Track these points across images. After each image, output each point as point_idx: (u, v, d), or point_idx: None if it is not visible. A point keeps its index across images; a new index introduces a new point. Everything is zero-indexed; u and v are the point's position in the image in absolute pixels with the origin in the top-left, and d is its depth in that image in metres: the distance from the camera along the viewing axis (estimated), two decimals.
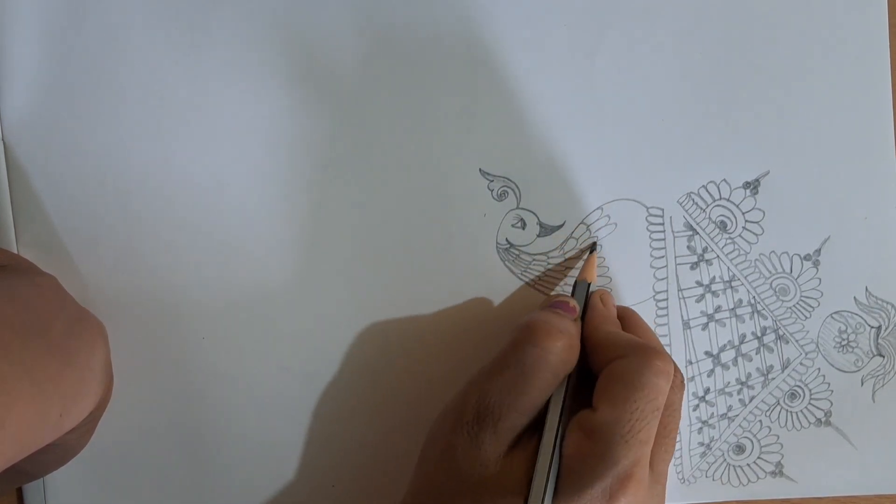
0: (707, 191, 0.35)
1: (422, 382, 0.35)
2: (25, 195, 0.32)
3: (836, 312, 0.36)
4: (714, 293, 0.36)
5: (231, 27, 0.33)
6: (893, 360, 0.36)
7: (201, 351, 0.34)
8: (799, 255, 0.36)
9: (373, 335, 0.34)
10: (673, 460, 0.35)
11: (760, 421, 0.36)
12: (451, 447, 0.28)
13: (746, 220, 0.35)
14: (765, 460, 0.36)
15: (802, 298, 0.36)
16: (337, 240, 0.34)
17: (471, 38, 0.34)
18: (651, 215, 0.35)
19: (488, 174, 0.34)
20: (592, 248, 0.34)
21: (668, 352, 0.35)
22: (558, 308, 0.31)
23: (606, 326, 0.31)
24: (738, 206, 0.35)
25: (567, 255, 0.35)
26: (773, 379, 0.36)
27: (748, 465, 0.36)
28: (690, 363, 0.36)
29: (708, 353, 0.36)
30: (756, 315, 0.36)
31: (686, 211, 0.35)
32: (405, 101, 0.34)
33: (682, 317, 0.35)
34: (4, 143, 0.32)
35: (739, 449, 0.36)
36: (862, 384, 0.36)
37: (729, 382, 0.36)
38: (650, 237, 0.35)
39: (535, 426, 0.29)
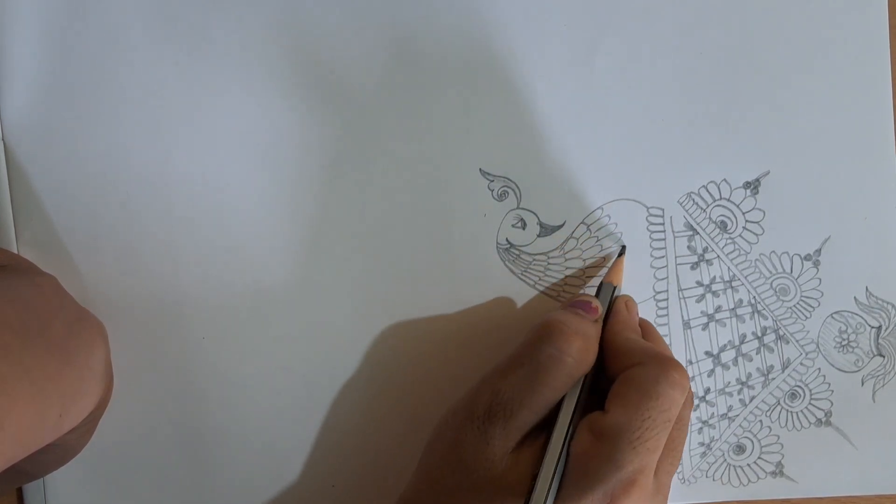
0: (707, 191, 0.35)
1: (422, 382, 0.35)
2: (25, 195, 0.32)
3: (836, 312, 0.36)
4: (714, 293, 0.36)
5: (231, 28, 0.33)
6: (894, 360, 0.36)
7: (201, 351, 0.34)
8: (799, 255, 0.36)
9: (373, 335, 0.34)
10: None
11: (761, 421, 0.36)
12: (459, 442, 0.28)
13: (747, 220, 0.35)
14: (765, 460, 0.36)
15: (803, 298, 0.36)
16: (337, 240, 0.34)
17: (471, 39, 0.34)
18: (651, 215, 0.35)
19: (488, 174, 0.34)
20: (622, 251, 0.34)
21: None
22: (580, 308, 0.31)
23: (627, 332, 0.31)
24: (738, 206, 0.35)
25: (567, 256, 0.35)
26: (774, 379, 0.36)
27: (748, 465, 0.36)
28: (691, 363, 0.36)
29: (708, 353, 0.36)
30: (756, 315, 0.36)
31: (686, 211, 0.35)
32: (405, 102, 0.34)
33: (682, 317, 0.35)
34: (4, 143, 0.32)
35: (740, 449, 0.36)
36: (862, 384, 0.36)
37: (729, 382, 0.36)
38: (650, 237, 0.35)
39: (544, 425, 0.29)
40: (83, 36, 0.32)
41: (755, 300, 0.36)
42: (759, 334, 0.36)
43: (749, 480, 0.36)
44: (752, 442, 0.36)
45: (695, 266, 0.35)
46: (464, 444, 0.28)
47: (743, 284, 0.36)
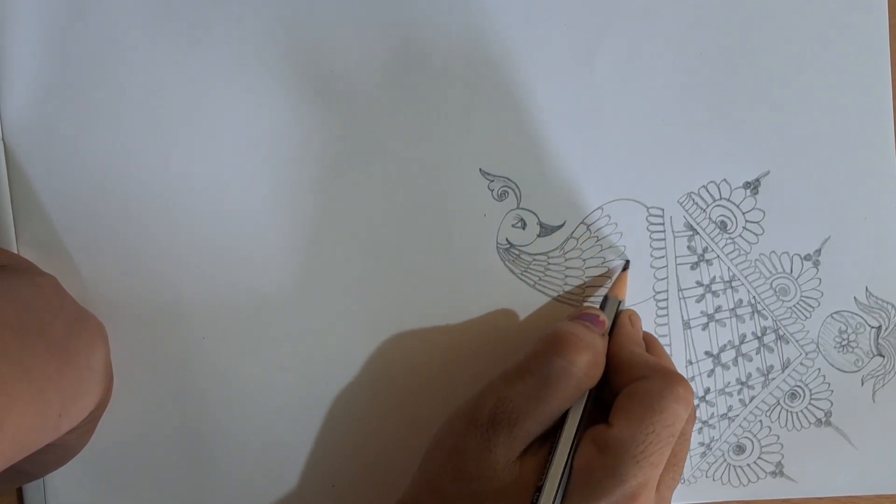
0: (707, 191, 0.35)
1: (422, 382, 0.35)
2: (25, 195, 0.32)
3: (836, 312, 0.36)
4: (714, 293, 0.36)
5: (231, 28, 0.33)
6: (893, 360, 0.36)
7: (201, 351, 0.34)
8: (799, 255, 0.36)
9: (373, 335, 0.34)
10: None
11: (761, 421, 0.36)
12: (461, 448, 0.28)
13: (747, 220, 0.35)
14: (765, 460, 0.36)
15: (802, 298, 0.36)
16: (337, 240, 0.34)
17: (471, 39, 0.34)
18: (651, 215, 0.35)
19: (488, 174, 0.34)
20: (625, 266, 0.34)
21: (669, 352, 0.35)
22: (588, 321, 0.31)
23: (632, 346, 0.31)
24: (738, 206, 0.35)
25: (567, 256, 0.35)
26: (774, 379, 0.36)
27: (748, 465, 0.36)
28: (690, 363, 0.36)
29: (708, 353, 0.36)
30: (756, 315, 0.36)
31: (686, 211, 0.35)
32: (405, 102, 0.34)
33: (682, 317, 0.35)
34: (4, 143, 0.32)
35: (740, 449, 0.36)
36: (862, 384, 0.36)
37: (729, 382, 0.36)
38: (650, 237, 0.35)
39: (547, 436, 0.29)
40: (83, 36, 0.32)
41: (755, 300, 0.36)
42: (759, 334, 0.36)
43: (749, 480, 0.36)
44: (752, 442, 0.36)
45: (695, 266, 0.35)
46: (465, 451, 0.28)
47: (743, 284, 0.36)
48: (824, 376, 0.36)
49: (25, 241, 0.33)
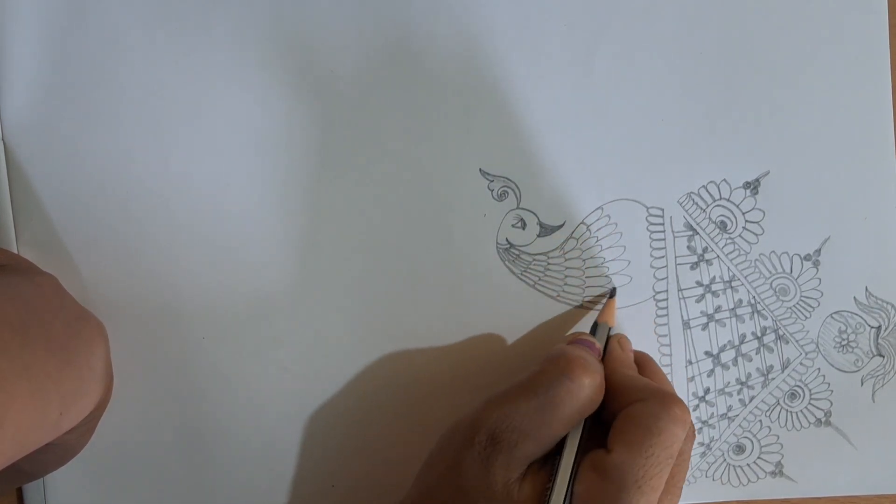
0: (707, 191, 0.35)
1: (422, 383, 0.35)
2: (25, 195, 0.32)
3: (836, 312, 0.36)
4: (714, 293, 0.36)
5: (231, 28, 0.33)
6: (893, 360, 0.36)
7: (201, 351, 0.34)
8: (799, 255, 0.36)
9: (373, 335, 0.34)
10: None
11: (760, 421, 0.36)
12: (459, 464, 0.28)
13: (746, 220, 0.35)
14: (765, 460, 0.36)
15: (802, 298, 0.36)
16: (337, 240, 0.34)
17: (471, 38, 0.34)
18: (651, 215, 0.35)
19: (488, 174, 0.34)
20: (612, 292, 0.34)
21: (669, 352, 0.35)
22: (586, 346, 0.31)
23: (624, 369, 0.31)
24: (738, 206, 0.35)
25: (567, 256, 0.35)
26: (773, 379, 0.36)
27: (748, 465, 0.36)
28: (690, 363, 0.36)
29: (708, 353, 0.36)
30: (756, 315, 0.36)
31: (686, 211, 0.35)
32: (405, 102, 0.34)
33: (682, 317, 0.35)
34: (4, 143, 0.32)
35: (739, 449, 0.36)
36: (862, 384, 0.36)
37: (729, 382, 0.36)
38: (650, 237, 0.35)
39: (545, 459, 0.28)
40: (83, 36, 0.32)
41: (755, 300, 0.36)
42: (759, 334, 0.36)
43: (749, 480, 0.36)
44: (752, 442, 0.36)
45: (695, 266, 0.35)
46: (463, 467, 0.27)
47: (743, 284, 0.36)
48: (824, 376, 0.36)
49: (25, 241, 0.33)
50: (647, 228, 0.35)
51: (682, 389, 0.36)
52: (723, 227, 0.35)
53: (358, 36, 0.33)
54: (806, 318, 0.36)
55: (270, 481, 0.35)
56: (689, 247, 0.35)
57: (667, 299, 0.35)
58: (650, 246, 0.35)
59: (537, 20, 0.34)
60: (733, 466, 0.36)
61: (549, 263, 0.35)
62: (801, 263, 0.36)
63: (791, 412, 0.36)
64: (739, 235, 0.35)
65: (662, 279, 0.35)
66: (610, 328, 0.33)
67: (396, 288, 0.34)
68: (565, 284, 0.35)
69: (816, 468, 0.36)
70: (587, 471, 0.27)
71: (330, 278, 0.34)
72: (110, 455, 0.34)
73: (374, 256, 0.34)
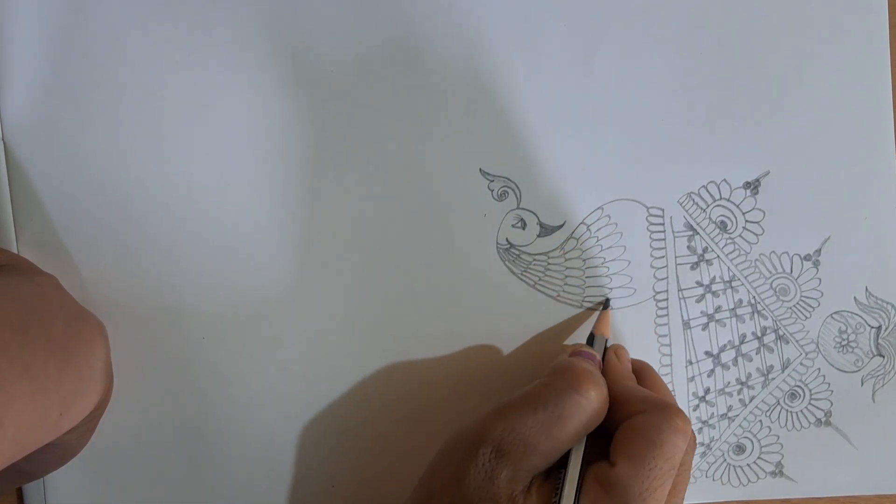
0: (707, 191, 0.35)
1: (421, 383, 0.35)
2: (25, 195, 0.32)
3: (836, 312, 0.36)
4: (714, 293, 0.36)
5: (231, 28, 0.33)
6: (893, 360, 0.36)
7: (201, 351, 0.34)
8: (799, 255, 0.36)
9: (373, 335, 0.34)
10: None
11: (760, 421, 0.36)
12: (463, 475, 0.27)
13: (747, 220, 0.35)
14: (765, 460, 0.36)
15: (802, 298, 0.36)
16: (337, 240, 0.34)
17: (471, 39, 0.34)
18: (651, 215, 0.35)
19: (488, 174, 0.34)
20: (606, 304, 0.34)
21: (669, 352, 0.35)
22: (588, 358, 0.31)
23: (623, 381, 0.31)
24: (738, 206, 0.35)
25: (567, 256, 0.35)
26: (774, 379, 0.36)
27: (748, 465, 0.36)
28: (690, 363, 0.36)
29: (708, 353, 0.36)
30: (756, 315, 0.36)
31: (686, 211, 0.35)
32: (405, 102, 0.34)
33: (682, 317, 0.35)
34: (4, 143, 0.32)
35: (739, 449, 0.36)
36: (862, 384, 0.36)
37: (729, 382, 0.36)
38: (650, 237, 0.35)
39: (548, 471, 0.28)
40: (83, 36, 0.32)
41: (755, 300, 0.36)
42: (759, 334, 0.36)
43: (749, 480, 0.36)
44: (752, 442, 0.36)
45: (695, 266, 0.35)
46: (468, 477, 0.27)
47: (743, 284, 0.36)
48: (824, 376, 0.36)
49: (25, 241, 0.33)
50: (648, 228, 0.35)
51: (682, 389, 0.36)
52: (723, 227, 0.35)
53: (358, 36, 0.33)
54: (806, 318, 0.36)
55: (270, 481, 0.35)
56: (689, 247, 0.35)
57: (667, 299, 0.35)
58: (650, 246, 0.35)
59: (537, 20, 0.34)
60: (733, 466, 0.36)
61: (549, 263, 0.35)
62: (801, 263, 0.36)
63: (791, 412, 0.36)
64: (739, 235, 0.35)
65: (662, 279, 0.35)
66: (607, 340, 0.33)
67: (396, 288, 0.34)
68: (565, 284, 0.35)
69: (816, 468, 0.36)
70: (592, 483, 0.27)
71: (330, 278, 0.34)
72: (110, 455, 0.34)
73: (374, 256, 0.34)
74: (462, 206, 0.34)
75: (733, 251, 0.35)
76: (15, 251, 0.32)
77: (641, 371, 0.33)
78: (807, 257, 0.36)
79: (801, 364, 0.36)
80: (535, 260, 0.34)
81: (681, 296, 0.35)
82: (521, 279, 0.34)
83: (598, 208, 0.35)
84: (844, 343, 0.36)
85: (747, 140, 0.35)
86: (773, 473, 0.36)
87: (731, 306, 0.36)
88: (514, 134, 0.34)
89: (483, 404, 0.35)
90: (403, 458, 0.35)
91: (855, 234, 0.36)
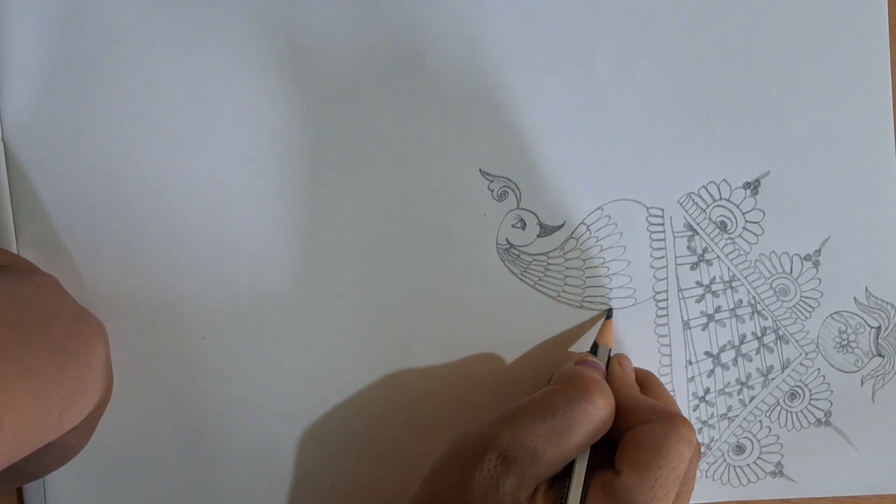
0: (707, 191, 0.35)
1: (421, 383, 0.35)
2: (25, 195, 0.32)
3: (836, 313, 0.36)
4: (714, 293, 0.36)
5: (231, 28, 0.33)
6: (893, 360, 0.36)
7: (201, 351, 0.34)
8: (799, 256, 0.36)
9: (372, 335, 0.34)
10: None
11: (760, 421, 0.36)
12: (468, 480, 0.27)
13: (746, 221, 0.35)
14: (765, 460, 0.36)
15: (802, 298, 0.36)
16: (337, 240, 0.34)
17: (471, 38, 0.34)
18: (651, 215, 0.35)
19: (488, 174, 0.34)
20: (608, 314, 0.34)
21: (669, 352, 0.35)
22: (593, 367, 0.31)
23: (627, 390, 0.31)
24: (738, 207, 0.35)
25: (567, 256, 0.35)
26: (773, 379, 0.36)
27: (748, 465, 0.36)
28: (690, 363, 0.36)
29: (708, 354, 0.36)
30: (756, 315, 0.36)
31: (686, 211, 0.35)
32: (405, 102, 0.34)
33: (682, 317, 0.35)
34: (4, 143, 0.32)
35: (739, 449, 0.36)
36: (862, 384, 0.36)
37: (729, 382, 0.36)
38: (650, 237, 0.35)
39: (553, 478, 0.28)
40: (83, 36, 0.32)
41: (755, 300, 0.36)
42: (759, 334, 0.36)
43: (749, 480, 0.36)
44: (752, 442, 0.36)
45: (695, 266, 0.35)
46: (473, 483, 0.27)
47: (743, 285, 0.36)
48: (824, 376, 0.36)
49: (25, 241, 0.33)
50: (647, 229, 0.35)
51: (681, 390, 0.36)
52: (723, 227, 0.35)
53: (358, 36, 0.33)
54: (806, 318, 0.36)
55: (270, 481, 0.35)
56: (689, 247, 0.35)
57: (667, 299, 0.35)
58: (650, 246, 0.35)
59: (537, 21, 0.34)
60: (733, 466, 0.36)
61: (549, 264, 0.35)
62: (801, 263, 0.36)
63: (791, 412, 0.36)
64: (739, 235, 0.35)
65: (662, 279, 0.35)
66: (610, 349, 0.33)
67: (396, 288, 0.34)
68: (565, 285, 0.35)
69: (816, 468, 0.36)
70: (597, 492, 0.27)
71: (330, 278, 0.34)
72: (110, 455, 0.34)
73: (374, 256, 0.34)
74: (462, 207, 0.34)
75: (733, 251, 0.35)
76: (15, 251, 0.32)
77: (645, 380, 0.33)
78: (807, 257, 0.36)
79: (800, 364, 0.36)
80: (534, 260, 0.34)
81: (681, 296, 0.35)
82: (520, 279, 0.34)
83: (597, 208, 0.35)
84: (844, 343, 0.36)
85: (747, 140, 0.35)
86: (773, 473, 0.36)
87: (731, 306, 0.36)
88: (514, 134, 0.34)
89: (484, 407, 0.35)
90: (403, 458, 0.35)
91: (855, 234, 0.36)
